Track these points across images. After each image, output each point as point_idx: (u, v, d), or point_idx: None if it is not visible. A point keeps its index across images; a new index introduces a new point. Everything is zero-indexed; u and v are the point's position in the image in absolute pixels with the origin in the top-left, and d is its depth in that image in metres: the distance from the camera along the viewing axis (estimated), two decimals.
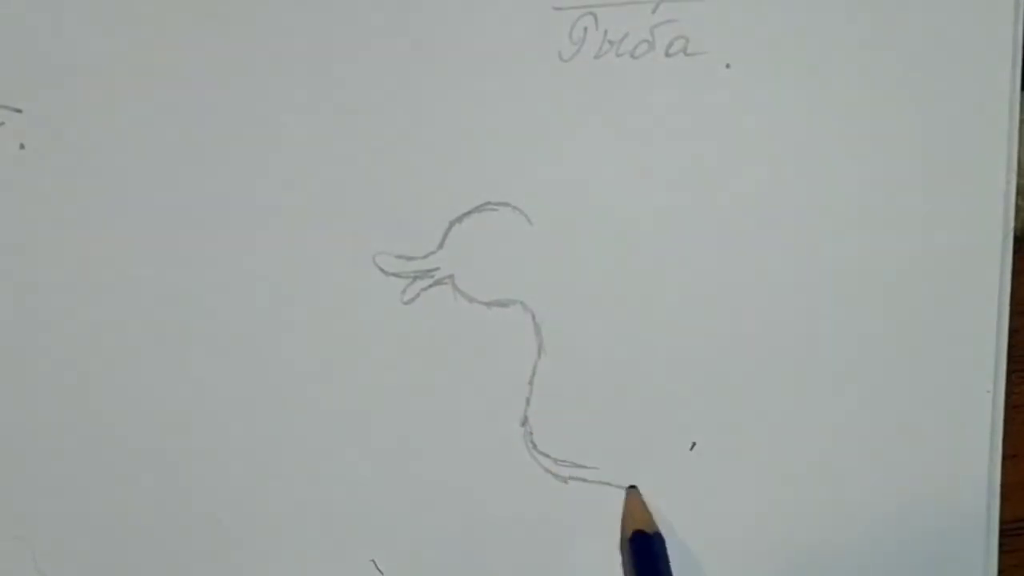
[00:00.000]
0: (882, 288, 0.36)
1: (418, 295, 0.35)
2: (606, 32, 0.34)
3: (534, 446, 0.36)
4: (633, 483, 0.36)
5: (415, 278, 0.35)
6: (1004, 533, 0.37)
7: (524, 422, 0.36)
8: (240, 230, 0.34)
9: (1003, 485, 0.37)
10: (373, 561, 0.36)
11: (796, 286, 0.36)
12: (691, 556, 0.37)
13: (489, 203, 0.35)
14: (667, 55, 0.34)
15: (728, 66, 0.34)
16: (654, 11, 0.34)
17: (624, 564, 0.36)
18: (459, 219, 0.35)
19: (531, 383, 0.36)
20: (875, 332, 0.36)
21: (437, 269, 0.35)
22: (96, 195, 0.34)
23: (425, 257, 0.35)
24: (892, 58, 0.35)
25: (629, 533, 0.36)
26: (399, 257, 0.35)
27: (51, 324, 0.34)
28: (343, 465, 0.36)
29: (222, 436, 0.35)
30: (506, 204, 0.35)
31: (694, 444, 0.36)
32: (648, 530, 0.35)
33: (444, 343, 0.35)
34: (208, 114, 0.33)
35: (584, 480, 0.36)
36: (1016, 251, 0.36)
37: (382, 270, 0.35)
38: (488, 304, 0.35)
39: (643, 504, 0.36)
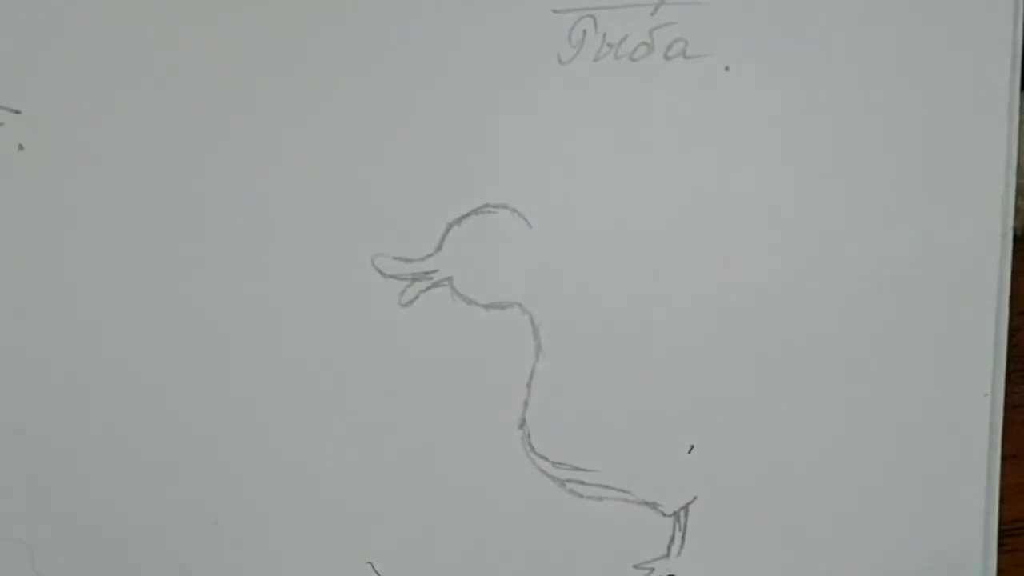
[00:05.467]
0: (881, 288, 0.36)
1: (416, 297, 0.36)
2: (605, 35, 0.34)
3: (532, 448, 0.37)
4: (632, 486, 0.37)
5: (413, 280, 0.36)
6: (1004, 533, 0.38)
7: (522, 424, 0.37)
8: (239, 231, 0.35)
9: (1003, 485, 0.37)
10: (370, 563, 0.37)
11: (795, 288, 0.36)
12: (690, 558, 0.37)
13: (488, 205, 0.35)
14: (666, 57, 0.35)
15: (727, 68, 0.35)
16: (653, 13, 0.34)
17: None
18: (457, 221, 0.35)
19: (529, 385, 0.36)
20: (874, 332, 0.37)
21: (435, 271, 0.36)
22: (96, 195, 0.34)
23: (423, 259, 0.36)
24: (891, 59, 0.35)
25: None
26: (397, 259, 0.35)
27: (50, 324, 0.35)
28: (341, 467, 0.36)
29: (220, 437, 0.36)
30: (504, 206, 0.36)
31: (692, 447, 0.37)
32: None
33: (442, 345, 0.36)
34: (207, 115, 0.34)
35: (582, 482, 0.37)
36: (1016, 251, 0.37)
37: (380, 272, 0.35)
38: (487, 306, 0.36)
39: None
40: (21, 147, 0.34)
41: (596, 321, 0.36)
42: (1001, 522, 0.38)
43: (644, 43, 0.35)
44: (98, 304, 0.35)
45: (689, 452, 0.37)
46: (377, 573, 0.37)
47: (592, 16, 0.34)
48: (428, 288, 0.36)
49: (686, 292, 0.36)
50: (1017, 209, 0.37)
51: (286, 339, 0.36)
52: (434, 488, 0.37)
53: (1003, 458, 0.37)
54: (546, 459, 0.37)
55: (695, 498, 0.37)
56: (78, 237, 0.35)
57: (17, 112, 0.34)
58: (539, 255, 0.36)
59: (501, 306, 0.36)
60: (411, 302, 0.36)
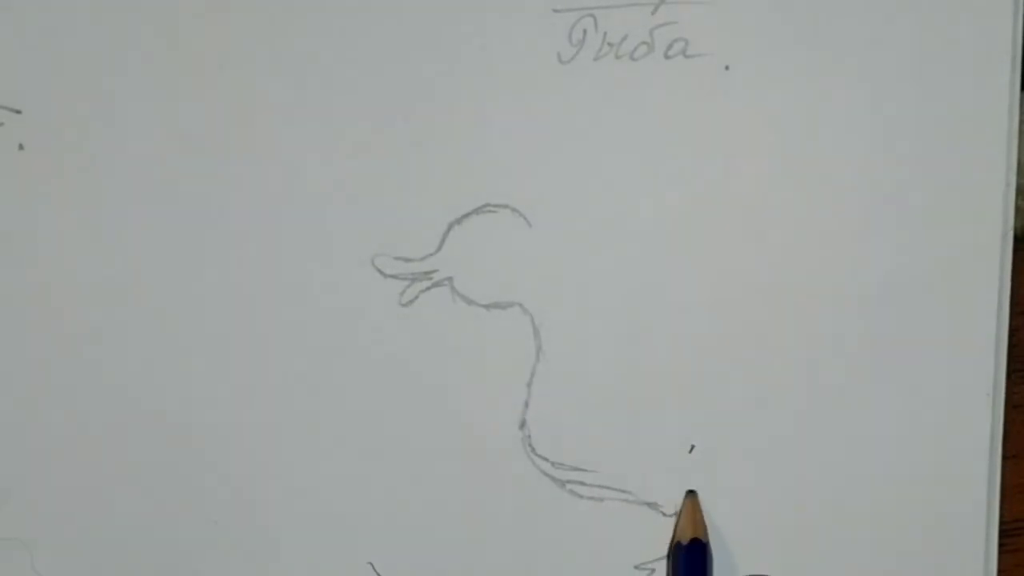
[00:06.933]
0: (882, 288, 0.36)
1: (417, 297, 0.36)
2: (605, 34, 0.35)
3: (532, 449, 0.37)
4: (632, 487, 0.37)
5: (414, 280, 0.36)
6: (1004, 533, 0.38)
7: (523, 425, 0.37)
8: (239, 231, 0.35)
9: (1003, 485, 0.37)
10: (371, 563, 0.37)
11: (795, 287, 0.36)
12: None
13: (488, 205, 0.36)
14: (666, 57, 0.35)
15: (727, 68, 0.35)
16: (654, 13, 0.35)
17: (674, 567, 0.37)
18: (458, 221, 0.36)
19: (530, 386, 0.36)
20: (875, 332, 0.37)
21: (436, 271, 0.36)
22: (96, 195, 0.35)
23: (424, 259, 0.36)
24: (892, 59, 0.36)
25: (687, 539, 0.37)
26: (398, 259, 0.36)
27: (50, 324, 0.35)
28: (341, 467, 0.36)
29: (220, 438, 0.36)
30: (505, 206, 0.36)
31: (693, 447, 0.37)
32: (704, 539, 0.37)
33: (442, 345, 0.36)
34: (207, 115, 0.34)
35: (583, 483, 0.37)
36: (1016, 251, 0.37)
37: (381, 272, 0.36)
38: (487, 306, 0.36)
39: (701, 512, 0.37)
40: (21, 147, 0.34)
41: (596, 321, 0.36)
42: (1002, 522, 0.38)
43: (644, 42, 0.35)
44: (98, 304, 0.35)
45: (690, 452, 0.37)
46: (377, 573, 0.37)
47: (592, 15, 0.35)
48: (428, 288, 0.36)
49: (687, 292, 0.36)
50: (1017, 209, 0.37)
51: (286, 339, 0.36)
52: (434, 488, 0.37)
53: (1003, 458, 0.37)
54: (546, 460, 0.37)
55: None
56: (78, 237, 0.35)
57: (17, 112, 0.34)
58: (540, 255, 0.36)
59: (501, 306, 0.36)
60: (411, 302, 0.36)
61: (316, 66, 0.35)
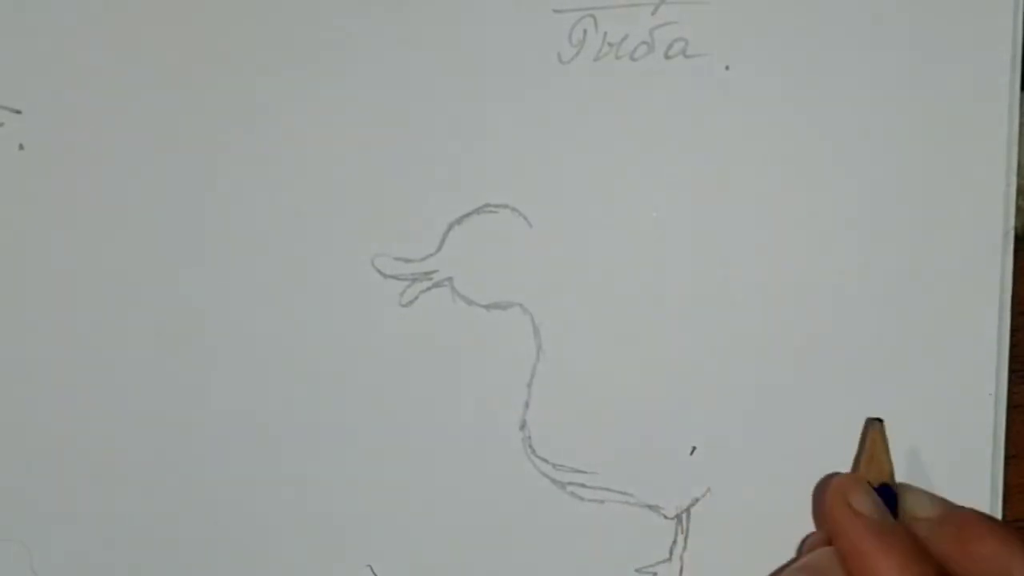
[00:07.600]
0: (882, 289, 0.36)
1: (417, 297, 0.36)
2: (606, 34, 0.35)
3: (532, 450, 0.37)
4: (633, 489, 0.37)
5: (414, 280, 0.36)
6: None
7: (523, 426, 0.37)
8: (239, 231, 0.35)
9: (1005, 485, 0.37)
10: (370, 566, 0.37)
11: (796, 288, 0.36)
12: (692, 560, 0.37)
13: (488, 205, 0.36)
14: (666, 57, 0.35)
15: (727, 68, 0.35)
16: (654, 13, 0.35)
17: None
18: (458, 221, 0.36)
19: (530, 386, 0.37)
20: (875, 333, 0.37)
21: (436, 271, 0.36)
22: (96, 195, 0.35)
23: (424, 259, 0.36)
24: (892, 59, 0.36)
25: (875, 482, 0.35)
26: (398, 259, 0.36)
27: (50, 324, 0.35)
28: (340, 469, 0.36)
29: (219, 439, 0.36)
30: (505, 206, 0.36)
31: (694, 449, 0.37)
32: (893, 486, 0.35)
33: (442, 346, 0.36)
34: (207, 115, 0.35)
35: (583, 485, 0.37)
36: (1016, 251, 0.37)
37: (381, 272, 0.36)
38: (487, 307, 0.36)
39: (888, 447, 0.35)
40: (21, 147, 0.34)
41: (597, 321, 0.36)
42: (1004, 521, 0.37)
43: (644, 43, 0.35)
44: (98, 304, 0.35)
45: (691, 454, 0.37)
46: None
47: (592, 16, 0.35)
48: (428, 288, 0.36)
49: (687, 292, 0.37)
50: (1018, 209, 0.37)
51: (286, 339, 0.36)
52: (434, 490, 0.37)
53: (1005, 458, 0.37)
54: (547, 461, 0.37)
55: (697, 500, 0.37)
56: (78, 237, 0.35)
57: (17, 112, 0.34)
58: (540, 255, 0.36)
59: (502, 306, 0.36)
60: (411, 302, 0.36)
61: (316, 66, 0.35)
